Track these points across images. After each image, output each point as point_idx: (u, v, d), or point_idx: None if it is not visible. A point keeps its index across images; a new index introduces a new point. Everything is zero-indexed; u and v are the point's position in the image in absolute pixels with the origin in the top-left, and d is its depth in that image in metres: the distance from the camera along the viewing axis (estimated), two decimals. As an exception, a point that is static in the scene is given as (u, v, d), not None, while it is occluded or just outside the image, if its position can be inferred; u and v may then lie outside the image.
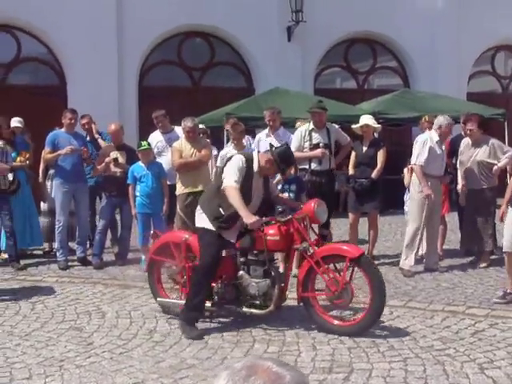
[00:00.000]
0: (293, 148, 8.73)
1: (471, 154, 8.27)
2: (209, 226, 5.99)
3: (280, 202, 6.86)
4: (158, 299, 6.64)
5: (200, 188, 8.35)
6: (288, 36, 16.19)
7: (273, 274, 5.99)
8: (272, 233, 5.93)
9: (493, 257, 8.63)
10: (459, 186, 8.51)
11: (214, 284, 6.12)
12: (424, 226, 8.15)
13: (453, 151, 9.01)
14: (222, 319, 6.42)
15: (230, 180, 5.83)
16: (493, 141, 8.36)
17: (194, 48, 16.63)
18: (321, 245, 6.09)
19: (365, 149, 8.67)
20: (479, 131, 8.27)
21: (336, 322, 5.97)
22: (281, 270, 6.84)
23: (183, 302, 6.36)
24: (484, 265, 8.37)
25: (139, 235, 8.79)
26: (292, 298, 6.29)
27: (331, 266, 5.99)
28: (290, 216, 5.96)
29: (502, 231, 7.96)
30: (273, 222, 6.07)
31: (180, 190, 8.45)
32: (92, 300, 7.27)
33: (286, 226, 5.95)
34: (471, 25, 17.02)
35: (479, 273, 8.15)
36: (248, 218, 5.71)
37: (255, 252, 6.05)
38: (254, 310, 6.08)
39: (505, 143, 13.12)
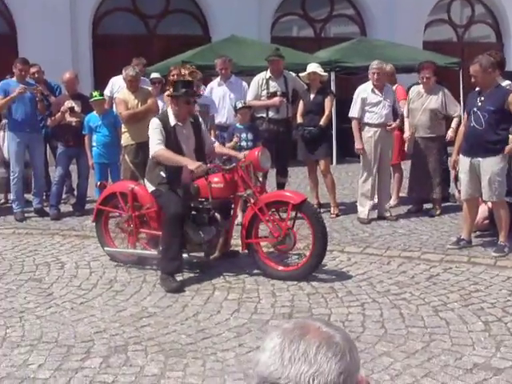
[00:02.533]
0: (250, 96, 8.77)
1: (423, 102, 8.32)
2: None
3: (220, 153, 6.85)
4: (106, 248, 6.74)
5: (149, 138, 8.29)
6: (244, -17, 15.94)
7: (218, 221, 6.09)
8: (216, 180, 6.04)
9: (447, 203, 8.80)
10: (406, 134, 8.55)
11: (160, 233, 6.19)
12: (375, 175, 8.26)
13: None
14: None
15: (154, 145, 6.02)
16: (444, 90, 8.43)
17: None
18: (265, 192, 6.25)
19: (312, 97, 8.66)
20: (434, 79, 8.34)
21: (279, 267, 6.13)
22: (239, 218, 6.93)
23: (130, 250, 6.55)
24: (437, 212, 8.52)
25: (97, 186, 8.73)
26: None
27: (276, 214, 6.14)
28: (235, 164, 6.08)
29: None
30: (217, 169, 6.19)
31: (127, 140, 8.30)
32: (50, 251, 7.23)
33: (230, 173, 6.06)
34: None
35: (434, 219, 8.31)
36: (191, 165, 5.87)
37: (200, 200, 6.14)
38: (199, 255, 6.23)
39: (460, 92, 13.33)
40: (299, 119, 8.74)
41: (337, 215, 8.55)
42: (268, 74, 8.78)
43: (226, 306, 5.40)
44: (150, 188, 6.24)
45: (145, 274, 6.31)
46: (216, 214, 6.09)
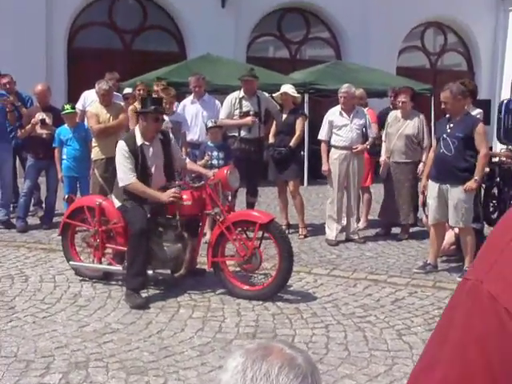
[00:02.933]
0: (222, 115, 8.78)
1: (399, 127, 8.40)
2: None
3: (191, 170, 6.82)
4: (71, 262, 6.68)
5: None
6: (222, 2, 16.00)
7: (184, 238, 6.08)
8: (185, 198, 6.02)
9: (415, 228, 8.86)
10: (382, 158, 8.63)
11: (126, 248, 6.15)
12: (341, 197, 8.31)
13: (381, 124, 9.13)
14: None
15: (125, 176, 6.00)
16: (421, 117, 8.53)
17: (126, 10, 16.25)
18: (232, 211, 6.27)
19: (284, 117, 8.72)
20: (411, 104, 8.43)
21: (245, 286, 6.12)
22: (207, 236, 6.92)
23: (96, 265, 6.51)
24: (405, 236, 8.59)
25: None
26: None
27: (243, 233, 6.16)
28: (203, 182, 6.08)
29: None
30: (185, 187, 6.19)
31: (97, 155, 8.24)
32: (15, 264, 7.13)
33: (198, 191, 6.06)
34: (403, 0, 17.22)
35: (401, 243, 8.37)
36: (163, 197, 5.90)
37: (168, 216, 6.12)
38: (164, 272, 6.20)
39: (431, 118, 13.50)
40: (271, 139, 8.78)
41: (305, 236, 8.57)
42: (241, 93, 8.81)
43: (190, 324, 5.37)
44: (117, 203, 6.22)
45: (110, 290, 6.26)
46: (183, 231, 6.06)
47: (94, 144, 8.29)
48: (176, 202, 5.89)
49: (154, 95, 9.44)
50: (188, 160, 6.82)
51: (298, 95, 9.03)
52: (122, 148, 6.05)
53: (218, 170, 6.55)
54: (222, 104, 9.15)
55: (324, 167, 8.33)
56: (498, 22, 19.37)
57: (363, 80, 13.13)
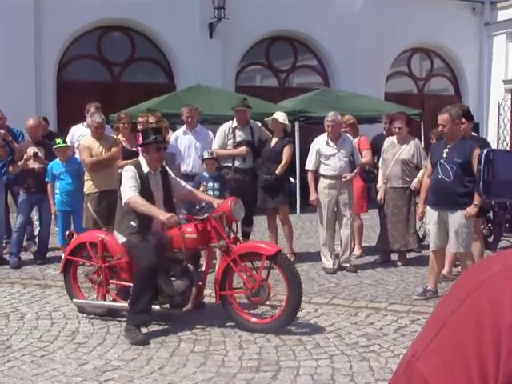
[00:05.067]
0: (216, 145, 8.76)
1: (395, 153, 8.39)
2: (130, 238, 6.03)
3: (194, 197, 6.71)
4: (74, 300, 6.53)
5: (114, 186, 8.19)
6: (210, 33, 16.09)
7: (191, 272, 5.99)
8: (189, 231, 5.93)
9: (413, 254, 8.82)
10: (379, 184, 8.62)
11: (131, 284, 6.01)
12: (331, 226, 8.28)
13: (374, 150, 9.13)
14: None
15: (129, 191, 5.88)
16: (416, 141, 8.54)
17: (114, 42, 16.30)
18: (238, 242, 6.17)
19: (273, 144, 8.71)
20: (406, 129, 8.44)
21: (254, 319, 6.01)
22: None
23: (100, 302, 6.37)
24: (402, 262, 8.55)
25: (59, 233, 8.57)
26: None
27: (249, 263, 6.04)
28: (207, 214, 5.96)
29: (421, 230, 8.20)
30: (190, 220, 6.11)
31: (90, 188, 8.16)
32: (10, 301, 7.01)
33: (203, 224, 5.96)
34: (389, 27, 17.37)
35: (399, 270, 8.33)
36: (162, 216, 5.75)
37: (173, 250, 6.04)
38: (171, 309, 6.08)
39: (421, 143, 13.53)
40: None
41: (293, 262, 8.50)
42: (234, 123, 8.81)
43: (192, 358, 5.28)
44: (121, 239, 6.08)
45: (108, 326, 6.15)
46: (189, 264, 5.98)
47: (86, 177, 8.22)
48: (170, 224, 5.75)
49: (139, 126, 9.48)
50: (190, 188, 6.69)
51: (287, 123, 9.01)
52: (130, 170, 6.00)
53: (222, 200, 6.46)
54: (214, 134, 9.14)
55: (312, 197, 8.28)
56: (482, 46, 19.58)
57: (352, 106, 13.21)
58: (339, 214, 8.29)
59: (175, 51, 16.15)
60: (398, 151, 8.36)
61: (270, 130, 8.97)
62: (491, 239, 8.51)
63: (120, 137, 8.82)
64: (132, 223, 5.95)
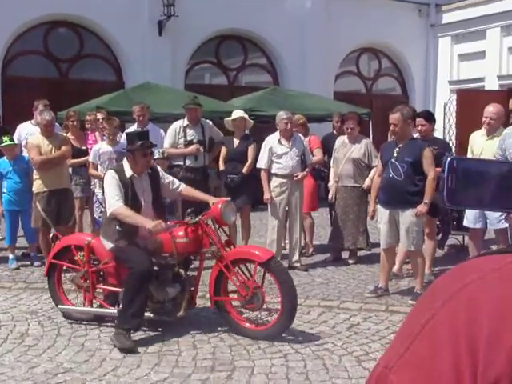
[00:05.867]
0: (167, 144, 8.70)
1: (346, 152, 8.46)
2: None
3: (189, 196, 6.47)
4: (60, 306, 6.27)
5: (64, 186, 8.08)
6: (159, 30, 15.98)
7: (182, 277, 5.79)
8: (181, 235, 5.71)
9: (363, 252, 8.92)
10: (330, 183, 8.68)
11: (120, 289, 5.83)
12: (282, 225, 8.30)
13: (325, 149, 9.20)
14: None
15: (112, 202, 5.66)
16: (367, 140, 8.64)
17: (61, 38, 16.04)
18: (232, 246, 5.94)
19: (236, 144, 8.70)
20: (358, 129, 8.52)
21: (250, 325, 5.82)
22: None
23: (87, 308, 6.13)
24: (353, 260, 8.64)
25: (7, 233, 8.39)
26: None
27: (244, 267, 5.81)
28: (198, 218, 5.73)
29: (373, 228, 8.29)
30: (178, 225, 5.88)
31: (39, 187, 8.01)
32: (-45, 303, 6.83)
33: (194, 227, 5.73)
34: (338, 26, 17.55)
35: (351, 268, 8.40)
36: (149, 224, 5.52)
37: (164, 255, 5.82)
38: (162, 316, 5.85)
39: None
40: (221, 166, 8.74)
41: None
42: (185, 121, 8.77)
43: (145, 359, 5.22)
44: (108, 245, 5.82)
45: (59, 327, 6.04)
46: (181, 270, 5.77)
47: (35, 176, 8.06)
48: (157, 231, 5.56)
49: (88, 125, 9.34)
50: (184, 186, 6.37)
51: (251, 121, 9.04)
52: (112, 176, 5.75)
53: (217, 199, 6.16)
54: (165, 133, 9.08)
55: (266, 195, 8.23)
56: (428, 48, 19.95)
57: (302, 105, 13.27)
58: (290, 213, 8.31)
59: (124, 48, 15.98)
60: (349, 150, 8.44)
61: (227, 131, 8.95)
62: (439, 237, 8.65)
63: (69, 135, 8.69)
64: (118, 228, 5.72)
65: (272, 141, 8.28)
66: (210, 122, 9.26)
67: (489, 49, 18.02)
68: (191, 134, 8.69)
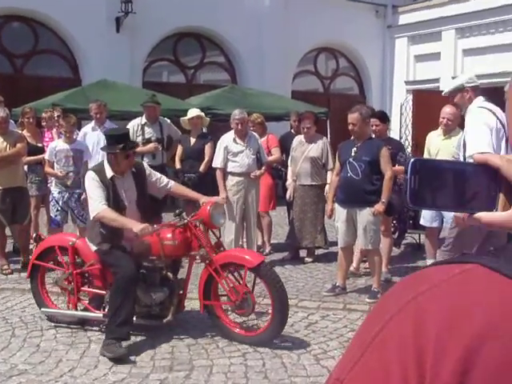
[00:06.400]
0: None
1: (304, 150, 8.49)
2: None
3: (179, 194, 6.38)
4: (43, 309, 6.10)
5: (19, 184, 7.94)
6: (117, 27, 15.83)
7: (170, 281, 5.65)
8: (169, 237, 5.53)
9: (321, 251, 8.97)
10: (288, 182, 8.71)
11: (104, 292, 5.69)
12: (239, 224, 8.28)
13: (283, 148, 9.23)
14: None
15: (95, 205, 5.47)
16: (325, 140, 8.69)
17: (15, 33, 15.74)
18: (222, 248, 5.80)
19: (193, 142, 8.67)
20: (314, 128, 8.56)
21: (241, 331, 5.68)
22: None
23: (71, 312, 5.95)
24: (311, 259, 8.68)
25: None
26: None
27: (235, 271, 5.66)
28: (186, 220, 5.60)
29: (330, 227, 8.34)
30: (165, 227, 5.70)
31: None
32: None
33: (183, 229, 5.58)
34: (296, 25, 17.61)
35: (308, 266, 8.45)
36: (135, 227, 5.31)
37: (152, 258, 5.64)
38: (149, 320, 5.70)
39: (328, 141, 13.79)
40: (178, 165, 8.68)
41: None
42: (143, 119, 8.72)
43: (103, 360, 5.17)
44: (93, 247, 5.67)
45: (13, 328, 5.94)
46: (169, 273, 5.61)
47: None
48: (144, 234, 5.37)
49: (44, 122, 9.19)
50: (174, 183, 6.20)
51: (208, 119, 9.04)
52: (91, 178, 5.56)
53: (208, 198, 5.97)
54: (123, 130, 9.00)
55: (222, 195, 8.12)
56: (385, 48, 20.16)
57: (260, 104, 13.28)
58: (247, 211, 8.29)
59: (80, 44, 15.78)
60: (306, 149, 8.47)
61: (184, 129, 8.92)
62: (396, 236, 8.75)
63: (25, 132, 8.55)
64: (102, 231, 5.56)
65: (227, 140, 8.25)
66: (168, 121, 9.23)
67: (444, 50, 18.30)
68: (149, 132, 8.65)
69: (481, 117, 5.46)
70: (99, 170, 5.67)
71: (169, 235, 5.54)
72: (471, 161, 0.87)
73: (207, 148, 8.58)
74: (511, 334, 0.55)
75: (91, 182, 5.56)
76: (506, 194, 0.82)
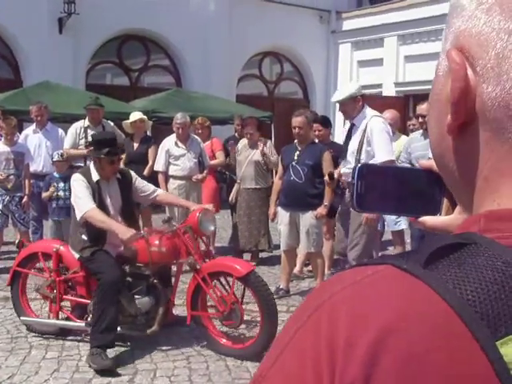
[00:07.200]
0: (67, 145, 8.55)
1: (247, 155, 8.55)
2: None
3: (167, 202, 6.33)
4: (22, 318, 5.87)
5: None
6: (59, 28, 15.61)
7: (157, 289, 5.49)
8: (156, 244, 5.38)
9: (264, 254, 9.02)
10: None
11: (89, 301, 5.49)
12: None
13: (227, 152, 9.27)
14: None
15: (84, 203, 5.30)
16: (269, 143, 8.76)
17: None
18: (211, 257, 5.65)
19: (136, 146, 8.63)
20: (257, 134, 8.62)
21: (229, 343, 5.48)
22: None
23: (52, 321, 5.74)
24: (254, 262, 8.71)
25: None
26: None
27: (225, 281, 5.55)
28: (175, 227, 5.49)
29: (274, 230, 8.39)
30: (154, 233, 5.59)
31: None
32: None
33: (171, 236, 5.46)
34: (242, 29, 17.69)
35: (252, 269, 8.46)
36: (123, 233, 5.15)
37: (138, 264, 5.49)
38: (134, 330, 5.54)
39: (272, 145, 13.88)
40: (121, 169, 8.62)
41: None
42: (86, 122, 8.64)
43: (44, 365, 5.10)
44: (76, 255, 5.49)
45: (-49, 334, 5.82)
46: (155, 281, 5.44)
47: None
48: (131, 242, 5.24)
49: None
50: (161, 191, 6.11)
51: (150, 122, 9.01)
52: (79, 179, 5.39)
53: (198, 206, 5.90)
54: (65, 133, 8.90)
55: None
56: (329, 53, 20.41)
57: (205, 108, 13.30)
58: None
59: (22, 45, 15.49)
60: (250, 154, 8.53)
61: (127, 133, 8.87)
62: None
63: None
64: (83, 237, 5.41)
65: (169, 143, 8.26)
66: (112, 123, 9.15)
67: (386, 56, 18.64)
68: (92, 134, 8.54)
69: (384, 126, 5.93)
70: (85, 173, 5.53)
71: (156, 242, 5.41)
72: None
73: (150, 152, 8.56)
74: (416, 326, 0.59)
75: (79, 182, 5.41)
76: (449, 199, 0.85)
